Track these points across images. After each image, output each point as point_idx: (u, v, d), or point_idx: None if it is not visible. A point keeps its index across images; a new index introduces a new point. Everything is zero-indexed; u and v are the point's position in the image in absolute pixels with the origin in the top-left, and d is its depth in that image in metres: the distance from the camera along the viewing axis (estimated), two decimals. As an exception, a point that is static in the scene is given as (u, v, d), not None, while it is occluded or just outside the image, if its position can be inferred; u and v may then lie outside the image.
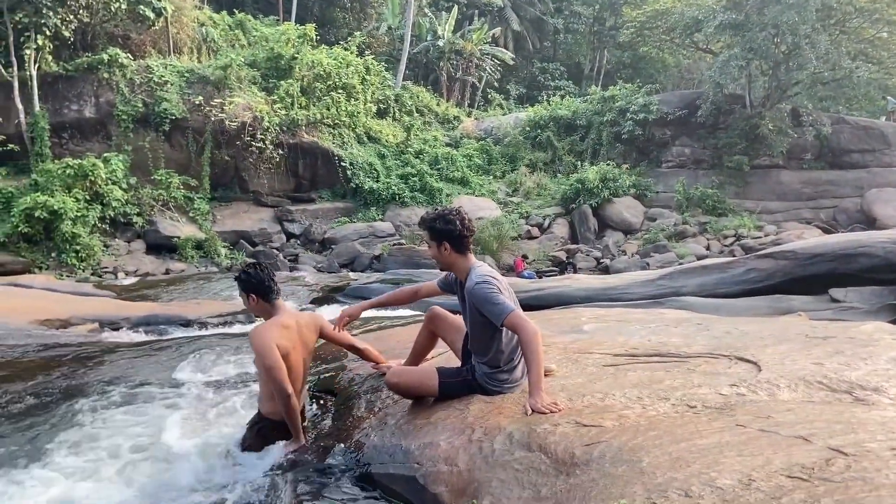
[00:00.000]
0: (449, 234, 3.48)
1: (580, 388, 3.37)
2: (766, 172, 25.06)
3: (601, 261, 21.18)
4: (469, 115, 31.76)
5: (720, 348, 3.89)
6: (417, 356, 4.12)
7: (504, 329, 3.36)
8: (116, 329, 8.47)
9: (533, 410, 3.07)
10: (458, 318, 4.06)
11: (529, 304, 8.87)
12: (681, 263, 16.25)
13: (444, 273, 3.78)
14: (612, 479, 2.17)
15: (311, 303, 11.62)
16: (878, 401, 2.71)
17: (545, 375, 3.72)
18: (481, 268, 3.49)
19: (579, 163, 26.35)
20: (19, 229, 16.98)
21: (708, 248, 21.76)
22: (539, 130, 28.36)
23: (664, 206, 24.55)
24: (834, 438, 2.12)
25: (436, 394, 3.55)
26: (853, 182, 24.44)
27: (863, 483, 1.73)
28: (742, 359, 3.59)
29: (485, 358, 3.51)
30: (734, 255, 17.08)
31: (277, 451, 3.78)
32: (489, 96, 34.23)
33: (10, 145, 18.66)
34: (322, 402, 4.54)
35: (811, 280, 8.68)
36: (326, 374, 5.08)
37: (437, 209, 3.65)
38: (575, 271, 19.38)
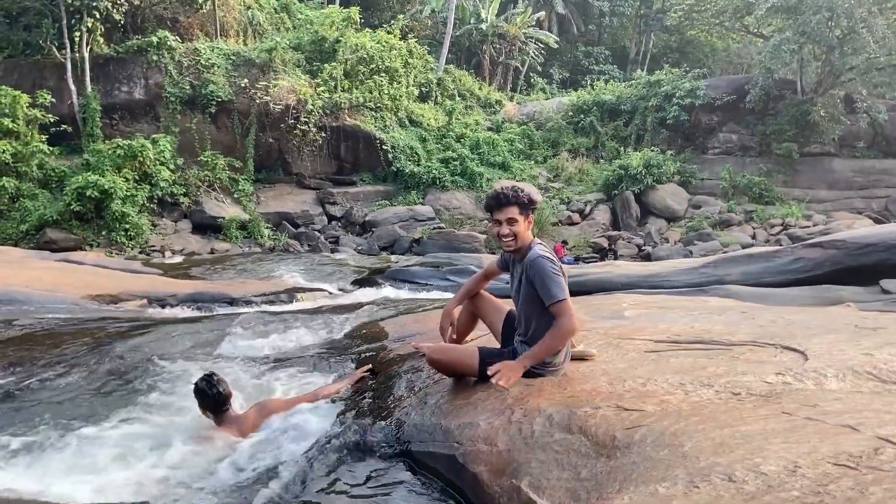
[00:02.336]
0: (534, 204, 3.51)
1: (621, 373, 3.35)
2: (817, 160, 24.38)
3: (643, 248, 20.94)
4: (511, 99, 31.54)
5: (765, 337, 3.83)
6: (458, 337, 4.14)
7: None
8: (164, 305, 8.70)
9: (493, 374, 3.33)
10: (498, 300, 4.07)
11: (570, 290, 8.83)
12: (725, 252, 15.97)
13: (499, 254, 3.80)
14: (654, 462, 2.16)
15: (352, 284, 11.75)
16: (930, 393, 2.64)
17: (584, 360, 3.73)
18: (542, 244, 3.53)
19: (622, 148, 25.99)
20: (72, 207, 17.50)
21: (754, 236, 21.32)
22: (582, 115, 28.04)
23: (709, 194, 24.11)
24: (883, 428, 2.08)
25: (475, 373, 3.57)
26: (908, 171, 23.65)
27: (913, 473, 1.70)
28: (788, 348, 3.53)
29: (526, 336, 3.52)
30: (781, 245, 16.71)
31: (318, 430, 3.84)
32: (532, 80, 33.92)
33: (64, 125, 19.19)
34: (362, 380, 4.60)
35: (861, 270, 8.46)
36: (367, 354, 5.14)
37: (506, 185, 3.56)
38: (616, 258, 19.21)
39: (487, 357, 3.58)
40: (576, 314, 3.34)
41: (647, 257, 19.41)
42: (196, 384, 3.99)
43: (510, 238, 3.50)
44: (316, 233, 21.24)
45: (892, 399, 2.55)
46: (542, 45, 33.10)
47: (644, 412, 2.65)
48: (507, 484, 2.64)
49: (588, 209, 23.77)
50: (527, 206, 3.50)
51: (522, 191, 3.50)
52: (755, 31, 29.10)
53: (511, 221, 3.49)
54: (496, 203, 3.49)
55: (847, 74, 23.89)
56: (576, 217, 23.39)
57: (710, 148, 25.84)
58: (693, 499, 1.76)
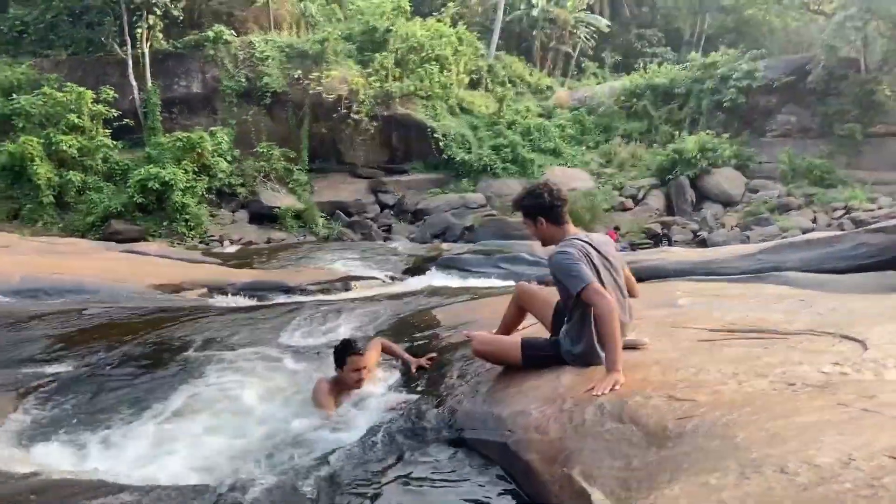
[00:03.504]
0: (540, 207, 3.52)
1: (673, 363, 3.34)
2: (882, 141, 23.40)
3: (698, 234, 20.54)
4: (562, 84, 31.21)
5: (824, 325, 3.75)
6: (506, 329, 4.17)
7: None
8: (223, 294, 8.97)
9: (602, 392, 2.98)
10: (546, 292, 4.09)
11: (623, 278, 8.74)
12: (784, 237, 15.54)
13: None
14: (705, 452, 2.17)
15: (405, 272, 11.88)
16: None
17: (636, 349, 3.72)
18: (573, 239, 3.48)
19: (677, 132, 25.47)
20: (135, 199, 18.14)
21: (815, 221, 20.65)
22: (635, 99, 27.57)
23: (767, 178, 23.44)
24: (943, 421, 2.05)
25: (520, 362, 3.63)
26: (980, 152, 22.49)
27: (972, 467, 1.68)
28: (847, 337, 3.45)
29: (567, 326, 3.54)
30: (843, 229, 16.16)
31: (373, 415, 3.95)
32: (583, 65, 33.45)
33: (126, 120, 19.85)
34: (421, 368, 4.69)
35: (929, 257, 8.12)
36: (420, 342, 5.23)
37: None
38: (670, 244, 18.89)
39: (529, 347, 3.63)
40: (604, 292, 3.25)
41: (703, 243, 19.03)
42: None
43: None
44: (369, 221, 21.50)
45: (955, 391, 2.49)
46: (593, 29, 32.60)
47: (696, 402, 2.65)
48: (558, 472, 2.68)
49: (641, 195, 23.41)
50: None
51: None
52: (816, 8, 28.05)
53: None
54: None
55: (916, 51, 22.87)
56: (629, 203, 23.07)
57: (768, 130, 25.10)
58: (744, 490, 1.78)
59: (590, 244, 3.47)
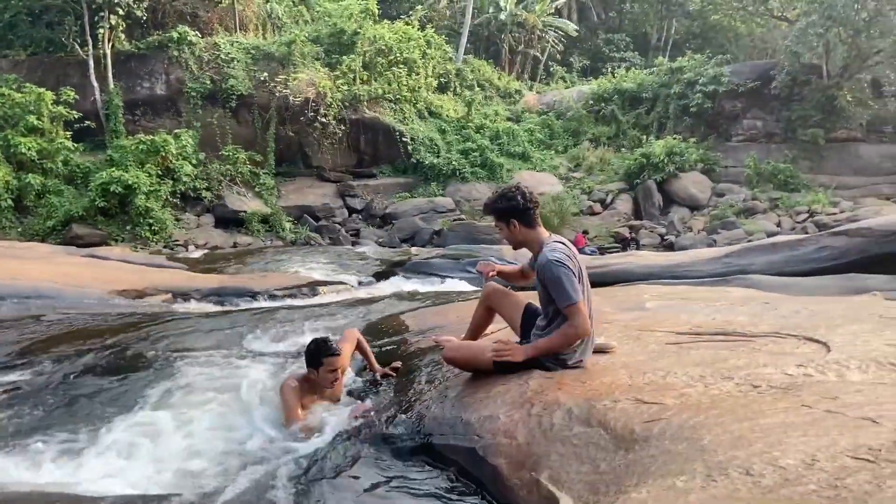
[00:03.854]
0: (513, 210, 3.51)
1: (641, 366, 3.36)
2: (843, 146, 23.97)
3: (665, 237, 20.77)
4: (531, 88, 31.37)
5: (788, 328, 3.80)
6: (475, 332, 4.15)
7: None
8: (188, 300, 8.81)
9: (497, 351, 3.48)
10: (516, 295, 4.07)
11: (592, 281, 8.79)
12: (750, 241, 15.80)
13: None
14: (672, 455, 2.17)
15: (373, 277, 11.81)
16: (954, 385, 2.61)
17: (604, 352, 3.73)
18: (555, 243, 3.50)
19: (644, 137, 25.77)
20: (96, 203, 17.74)
21: (779, 224, 21.03)
22: (603, 104, 27.81)
23: (733, 182, 23.83)
24: (904, 421, 2.07)
25: (491, 368, 3.60)
26: (937, 156, 23.15)
27: (933, 467, 1.69)
28: (811, 339, 3.51)
29: (543, 332, 3.53)
30: (807, 233, 16.50)
31: (341, 421, 3.90)
32: (551, 69, 33.68)
33: (87, 122, 19.44)
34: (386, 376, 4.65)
35: (888, 259, 8.32)
36: (388, 347, 5.18)
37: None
38: (638, 248, 19.08)
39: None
40: (586, 317, 3.34)
41: (670, 247, 19.26)
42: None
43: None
44: (337, 226, 21.35)
45: (915, 391, 2.52)
46: (561, 33, 32.84)
47: (663, 405, 2.66)
48: (526, 477, 2.66)
49: (610, 199, 23.62)
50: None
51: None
52: (779, 14, 28.62)
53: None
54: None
55: (874, 58, 23.43)
56: (597, 207, 23.24)
57: (734, 135, 25.52)
58: (710, 492, 1.77)
59: (573, 252, 3.49)
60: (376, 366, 4.60)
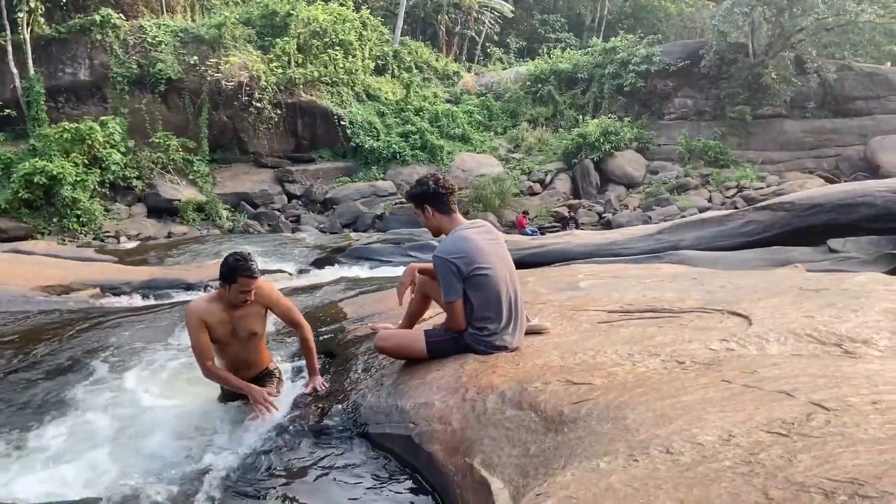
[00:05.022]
0: (424, 195, 3.55)
1: (573, 346, 3.39)
2: (769, 122, 24.80)
3: (603, 215, 21.16)
4: (469, 70, 31.35)
5: (713, 303, 3.90)
6: (411, 319, 4.13)
7: (471, 287, 3.43)
8: (118, 294, 8.53)
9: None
10: None
11: (530, 262, 8.90)
12: (683, 216, 16.22)
13: None
14: (598, 436, 2.20)
15: (312, 264, 11.66)
16: (865, 353, 2.72)
17: (538, 333, 3.77)
18: (460, 232, 3.52)
19: (581, 117, 26.11)
20: (20, 195, 17.02)
21: (710, 200, 21.69)
22: (540, 85, 28.03)
23: (666, 159, 24.41)
24: (817, 393, 2.14)
25: (425, 355, 3.59)
26: (857, 130, 24.20)
27: (841, 438, 1.75)
28: (734, 313, 3.60)
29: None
30: (736, 207, 17.02)
31: (276, 414, 3.84)
32: (489, 50, 33.72)
33: (7, 110, 18.61)
34: (321, 363, 4.58)
35: (810, 231, 8.66)
36: (325, 336, 5.12)
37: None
38: (577, 226, 19.38)
39: (433, 337, 3.62)
40: (458, 315, 3.45)
41: (608, 225, 19.63)
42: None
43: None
44: (276, 212, 21.00)
45: (828, 362, 2.62)
46: (497, 14, 32.86)
47: (592, 385, 2.69)
48: (460, 462, 2.67)
49: (549, 179, 23.89)
50: (415, 198, 3.60)
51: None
52: (707, -6, 29.28)
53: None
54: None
55: (797, 36, 24.25)
56: (537, 187, 23.50)
57: (667, 113, 26.11)
58: (631, 473, 1.80)
59: (475, 243, 3.48)
60: (315, 374, 4.16)
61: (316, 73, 23.19)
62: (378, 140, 23.53)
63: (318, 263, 11.72)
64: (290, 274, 10.50)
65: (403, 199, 21.49)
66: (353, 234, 17.95)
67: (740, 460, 1.70)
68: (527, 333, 3.69)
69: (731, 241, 9.01)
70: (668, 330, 3.46)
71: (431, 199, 3.54)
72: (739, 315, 3.55)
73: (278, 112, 22.35)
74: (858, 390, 2.15)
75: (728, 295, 4.11)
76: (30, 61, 19.82)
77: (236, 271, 3.83)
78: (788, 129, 24.74)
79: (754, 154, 24.23)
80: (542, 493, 1.92)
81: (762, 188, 21.37)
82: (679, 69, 25.41)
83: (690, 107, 25.92)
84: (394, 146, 23.50)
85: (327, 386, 4.08)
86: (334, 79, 23.77)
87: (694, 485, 1.62)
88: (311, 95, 23.17)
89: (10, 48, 19.45)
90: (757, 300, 3.82)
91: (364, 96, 24.99)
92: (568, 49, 31.17)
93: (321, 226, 20.42)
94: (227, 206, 20.68)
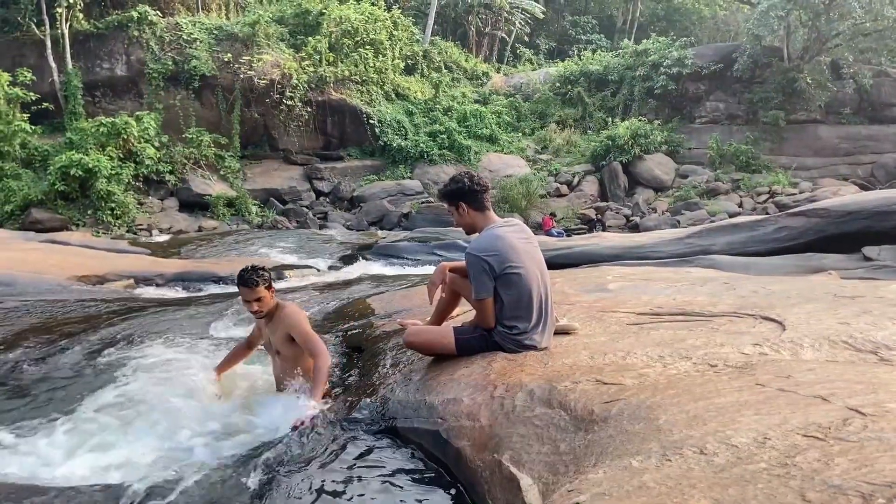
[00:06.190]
0: (460, 192, 3.55)
1: (602, 347, 3.39)
2: (803, 127, 24.42)
3: (631, 218, 21.01)
4: (498, 70, 31.32)
5: (746, 307, 3.87)
6: (440, 315, 4.14)
7: (503, 286, 3.43)
8: (151, 285, 8.68)
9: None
10: None
11: (557, 263, 8.87)
12: (712, 221, 16.05)
13: None
14: (629, 435, 2.20)
15: (340, 260, 11.75)
16: (902, 362, 2.69)
17: (567, 333, 3.77)
18: (493, 230, 3.52)
19: (610, 119, 25.94)
20: (56, 187, 17.33)
21: (741, 205, 21.42)
22: (569, 86, 27.90)
23: (696, 163, 24.15)
24: (853, 398, 2.12)
25: (453, 352, 3.61)
26: (893, 137, 23.72)
27: (878, 443, 1.74)
28: (767, 318, 3.57)
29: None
30: (767, 213, 16.81)
31: (305, 408, 3.87)
32: (518, 51, 33.66)
33: (45, 104, 18.93)
34: (349, 357, 4.63)
35: (844, 238, 8.53)
36: (354, 331, 5.17)
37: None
38: (604, 229, 19.26)
39: (462, 334, 3.63)
40: (487, 313, 3.47)
41: (635, 228, 19.48)
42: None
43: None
44: (304, 209, 21.17)
45: (864, 368, 2.59)
46: (528, 15, 32.80)
47: (623, 386, 2.69)
48: (489, 458, 2.68)
49: (576, 180, 23.77)
50: (450, 196, 3.60)
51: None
52: (742, -3, 28.93)
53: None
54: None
55: (833, 41, 23.85)
56: (564, 189, 23.40)
57: (698, 117, 25.83)
58: (664, 472, 1.80)
59: (509, 240, 3.49)
60: (316, 397, 3.86)
61: (346, 72, 23.33)
62: (406, 139, 23.61)
63: (346, 260, 11.82)
64: (319, 270, 10.59)
65: (430, 198, 21.57)
66: (379, 232, 18.04)
67: (776, 462, 1.69)
68: (555, 333, 3.69)
69: (763, 246, 8.91)
70: (700, 333, 3.44)
71: (467, 195, 3.55)
72: (773, 320, 3.52)
73: (308, 110, 22.53)
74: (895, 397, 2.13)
75: (761, 300, 4.08)
76: (68, 56, 20.20)
77: (237, 280, 4.04)
78: (823, 134, 24.33)
79: (787, 159, 23.87)
80: (574, 490, 1.92)
81: (795, 194, 21.05)
82: (711, 72, 25.13)
83: (722, 111, 25.62)
84: (421, 145, 23.55)
85: (318, 421, 3.63)
86: (364, 78, 23.89)
87: (729, 485, 1.62)
88: (341, 94, 23.32)
89: (49, 43, 19.86)
90: (791, 306, 3.79)
91: (393, 95, 25.08)
92: (598, 51, 30.99)
93: (348, 223, 20.55)
94: (257, 202, 20.90)
